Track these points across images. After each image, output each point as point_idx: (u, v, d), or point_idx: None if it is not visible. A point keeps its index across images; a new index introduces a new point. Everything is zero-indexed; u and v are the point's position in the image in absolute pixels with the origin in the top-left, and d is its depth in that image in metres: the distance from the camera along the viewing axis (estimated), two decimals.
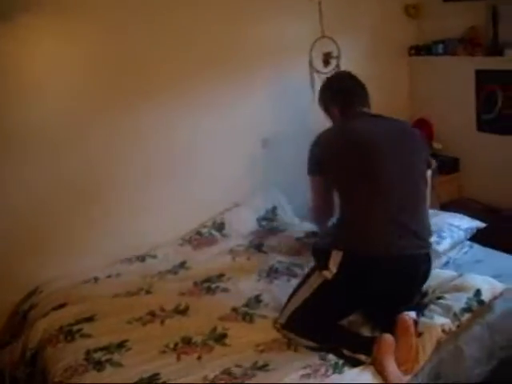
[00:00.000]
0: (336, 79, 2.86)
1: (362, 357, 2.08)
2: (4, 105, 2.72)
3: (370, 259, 2.23)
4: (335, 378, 2.00)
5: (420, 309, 2.31)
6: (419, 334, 2.16)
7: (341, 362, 2.07)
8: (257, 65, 3.40)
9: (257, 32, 3.11)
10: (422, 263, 2.35)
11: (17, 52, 2.71)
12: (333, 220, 2.55)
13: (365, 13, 3.79)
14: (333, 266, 2.26)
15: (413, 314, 2.21)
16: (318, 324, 2.26)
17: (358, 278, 2.25)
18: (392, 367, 2.01)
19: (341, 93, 2.68)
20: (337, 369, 2.05)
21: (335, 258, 2.26)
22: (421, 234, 2.34)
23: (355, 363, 2.07)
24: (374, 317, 2.35)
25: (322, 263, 2.33)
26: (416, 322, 2.19)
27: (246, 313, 2.50)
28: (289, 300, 2.39)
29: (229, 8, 3.25)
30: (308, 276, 2.41)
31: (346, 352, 2.11)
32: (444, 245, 2.71)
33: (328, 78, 2.90)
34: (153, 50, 3.05)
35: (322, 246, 2.42)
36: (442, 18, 3.84)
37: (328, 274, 2.27)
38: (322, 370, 2.03)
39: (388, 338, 2.09)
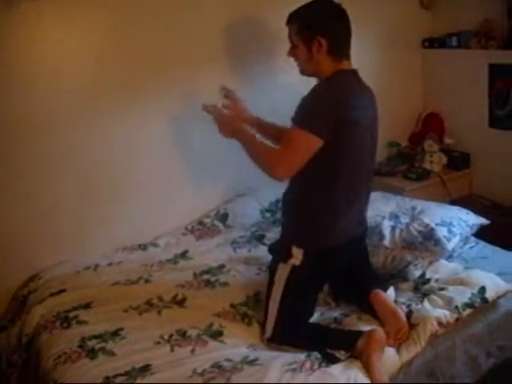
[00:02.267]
0: (336, 7, 2.25)
1: (342, 353, 2.07)
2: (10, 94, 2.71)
3: (332, 249, 2.26)
4: (321, 372, 2.00)
5: (387, 286, 2.40)
6: (413, 326, 2.18)
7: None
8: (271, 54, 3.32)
9: (265, 22, 3.06)
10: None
11: (24, 40, 2.69)
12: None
13: (377, 4, 3.70)
14: (297, 254, 2.23)
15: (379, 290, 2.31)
16: (300, 331, 2.26)
17: (321, 264, 2.28)
18: (379, 364, 2.01)
19: (341, 21, 2.22)
20: (323, 363, 2.04)
21: (297, 252, 2.24)
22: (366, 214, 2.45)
23: (335, 360, 2.05)
24: (348, 295, 2.45)
25: (283, 255, 2.29)
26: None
27: (244, 313, 2.44)
28: (266, 309, 2.31)
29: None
30: (273, 274, 2.33)
31: (327, 350, 2.10)
32: (454, 242, 2.66)
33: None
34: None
35: (278, 242, 2.45)
36: (456, 10, 3.76)
37: (295, 261, 2.24)
38: (308, 364, 2.02)
39: (380, 333, 2.09)
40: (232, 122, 2.41)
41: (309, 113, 2.10)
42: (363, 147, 2.20)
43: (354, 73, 2.26)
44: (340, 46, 2.21)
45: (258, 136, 2.50)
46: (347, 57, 2.24)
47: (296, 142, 2.08)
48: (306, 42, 2.19)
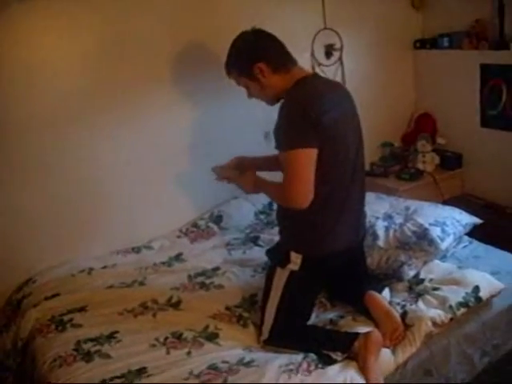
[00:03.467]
0: (251, 33, 2.29)
1: (339, 354, 2.08)
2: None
3: (331, 254, 2.25)
4: (318, 373, 2.00)
5: (382, 287, 2.42)
6: (408, 326, 2.19)
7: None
8: None
9: (257, 24, 3.04)
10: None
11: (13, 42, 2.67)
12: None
13: (369, 4, 3.72)
14: (296, 259, 2.23)
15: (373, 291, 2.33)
16: (297, 332, 2.26)
17: (320, 269, 2.28)
18: (374, 366, 2.02)
19: (263, 40, 2.23)
20: (319, 364, 2.05)
21: (296, 257, 2.23)
22: (365, 219, 2.46)
23: (331, 361, 2.06)
24: (344, 296, 2.45)
25: (281, 260, 2.28)
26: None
27: (240, 316, 2.44)
28: (263, 312, 2.30)
29: None
30: (270, 279, 2.31)
31: (324, 351, 2.10)
32: (448, 241, 2.67)
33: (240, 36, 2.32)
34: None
35: (276, 246, 2.45)
36: (447, 11, 3.78)
37: (293, 266, 2.23)
38: (305, 365, 2.03)
39: (376, 335, 2.09)
40: (250, 178, 2.38)
41: (288, 134, 2.06)
42: (346, 146, 2.16)
43: (314, 75, 2.27)
44: (280, 59, 2.21)
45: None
46: (294, 63, 2.24)
47: (295, 166, 2.04)
48: (250, 76, 2.22)
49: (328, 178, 2.12)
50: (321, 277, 2.34)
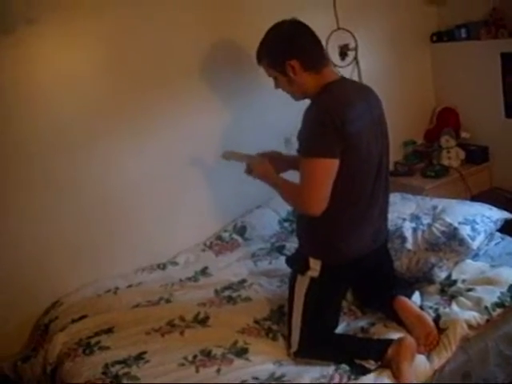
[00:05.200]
0: (289, 25, 2.21)
1: (372, 363, 2.03)
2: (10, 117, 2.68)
3: (351, 260, 2.20)
4: None
5: (412, 292, 2.36)
6: (442, 330, 2.13)
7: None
8: None
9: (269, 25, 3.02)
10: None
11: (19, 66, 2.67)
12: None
13: (382, 1, 3.65)
14: (315, 266, 2.18)
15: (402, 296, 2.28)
16: (327, 342, 2.21)
17: (340, 276, 2.24)
18: (408, 374, 1.96)
19: (299, 35, 2.16)
20: (352, 375, 2.00)
21: (315, 263, 2.19)
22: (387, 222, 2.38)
23: (365, 371, 2.01)
24: (373, 303, 2.40)
25: (301, 267, 2.25)
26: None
27: (269, 328, 2.40)
28: (289, 323, 2.27)
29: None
30: (292, 287, 2.29)
31: (356, 361, 2.05)
32: (479, 240, 2.59)
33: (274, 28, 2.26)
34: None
35: (295, 254, 2.42)
36: (463, 1, 3.70)
37: (313, 273, 2.19)
38: (337, 378, 1.98)
39: (409, 341, 2.05)
40: (265, 164, 2.34)
41: (311, 140, 2.02)
42: (372, 154, 2.11)
43: (342, 79, 2.20)
44: (313, 58, 2.15)
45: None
46: (326, 64, 2.19)
47: (313, 174, 2.01)
48: (280, 70, 2.17)
49: (349, 186, 2.07)
50: (342, 283, 2.30)
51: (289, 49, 2.13)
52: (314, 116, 2.03)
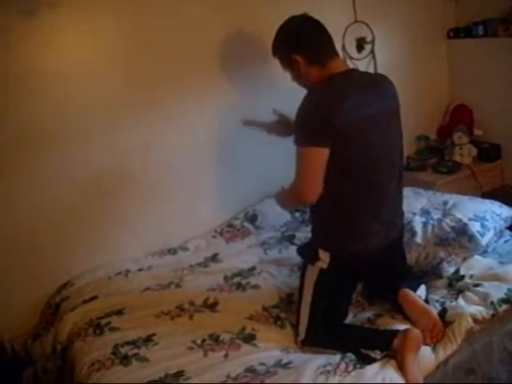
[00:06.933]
0: (297, 20, 2.28)
1: (377, 353, 2.05)
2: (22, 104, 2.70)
3: (360, 253, 2.22)
4: (356, 373, 1.97)
5: (417, 285, 2.34)
6: (448, 324, 2.14)
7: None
8: None
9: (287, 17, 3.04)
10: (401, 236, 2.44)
11: (40, 48, 2.70)
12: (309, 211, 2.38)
13: None
14: (324, 257, 2.21)
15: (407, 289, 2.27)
16: (334, 331, 2.23)
17: (349, 268, 2.25)
18: (413, 365, 1.97)
19: (304, 30, 2.22)
20: (358, 364, 2.01)
21: (324, 255, 2.22)
22: (401, 217, 2.38)
23: (371, 360, 2.03)
24: (381, 294, 2.41)
25: (311, 257, 2.28)
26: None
27: (277, 316, 2.43)
28: (298, 311, 2.30)
29: None
30: (303, 276, 2.33)
31: (362, 350, 2.07)
32: (488, 236, 2.60)
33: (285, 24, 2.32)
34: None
35: (307, 244, 2.44)
36: None
37: (322, 264, 2.22)
38: (343, 366, 2.00)
39: (415, 332, 2.05)
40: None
41: (301, 130, 2.09)
42: (374, 146, 2.11)
43: (348, 71, 2.20)
44: (317, 52, 2.18)
45: None
46: (333, 58, 2.19)
47: (303, 162, 2.07)
48: (288, 64, 2.26)
49: (348, 177, 2.10)
50: (352, 275, 2.31)
51: (293, 43, 2.21)
52: (303, 106, 2.09)
